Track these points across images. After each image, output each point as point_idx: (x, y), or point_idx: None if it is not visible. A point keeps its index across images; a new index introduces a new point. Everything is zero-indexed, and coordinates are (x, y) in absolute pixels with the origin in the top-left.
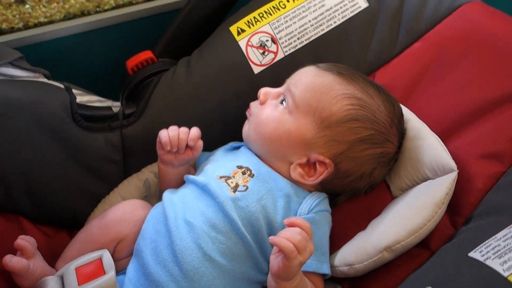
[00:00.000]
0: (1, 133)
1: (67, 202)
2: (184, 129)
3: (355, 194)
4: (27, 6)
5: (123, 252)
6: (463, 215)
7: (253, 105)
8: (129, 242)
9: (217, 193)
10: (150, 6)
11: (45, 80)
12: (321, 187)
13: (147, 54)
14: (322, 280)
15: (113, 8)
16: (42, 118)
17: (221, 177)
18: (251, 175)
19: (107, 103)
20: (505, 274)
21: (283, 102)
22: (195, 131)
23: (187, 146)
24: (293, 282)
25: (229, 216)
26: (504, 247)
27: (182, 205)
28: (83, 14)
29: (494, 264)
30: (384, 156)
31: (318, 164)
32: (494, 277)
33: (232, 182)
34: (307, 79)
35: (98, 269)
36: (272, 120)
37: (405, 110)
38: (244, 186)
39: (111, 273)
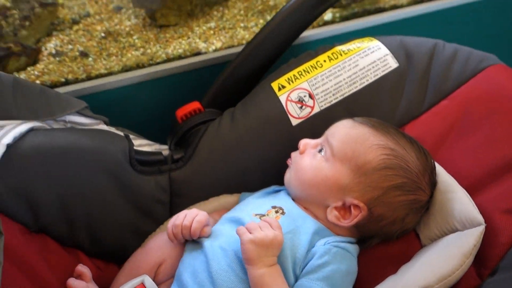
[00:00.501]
0: (71, 176)
1: (119, 239)
2: (186, 224)
3: (387, 238)
4: (90, 59)
5: (164, 275)
6: (489, 267)
7: (294, 154)
8: (168, 265)
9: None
10: (197, 60)
11: (105, 126)
12: (356, 230)
13: (195, 105)
14: None
15: (164, 61)
16: (106, 163)
17: (256, 214)
18: (283, 213)
19: (155, 146)
20: None
21: (321, 152)
22: (202, 218)
23: None
24: (258, 269)
25: None
26: None
27: (218, 236)
28: (138, 66)
29: None
30: (417, 203)
31: (353, 207)
32: None
33: (265, 219)
34: (344, 130)
35: None
36: (311, 167)
37: (435, 164)
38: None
39: None
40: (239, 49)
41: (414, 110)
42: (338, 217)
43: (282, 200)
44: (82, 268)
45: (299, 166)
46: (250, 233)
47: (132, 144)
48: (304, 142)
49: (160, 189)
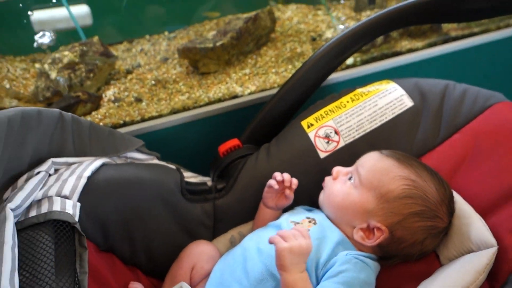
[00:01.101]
0: (134, 203)
1: (171, 258)
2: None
3: (407, 259)
4: (143, 103)
5: (198, 276)
6: (500, 281)
7: (327, 179)
8: (198, 267)
9: (285, 229)
10: (235, 103)
11: (157, 161)
12: (379, 250)
13: (235, 141)
14: None
15: (207, 104)
16: (162, 192)
17: (292, 221)
18: (314, 223)
19: (199, 178)
20: None
21: (351, 179)
22: (295, 180)
23: (283, 194)
24: (292, 275)
25: None
26: None
27: (257, 237)
28: (184, 109)
29: None
30: (434, 229)
31: (376, 230)
32: None
33: (298, 226)
34: (371, 162)
35: None
36: (341, 192)
37: (453, 192)
38: (307, 229)
39: None
40: (272, 91)
41: (430, 143)
42: (363, 237)
43: (316, 214)
44: (135, 285)
45: (331, 190)
46: (285, 241)
47: (183, 176)
48: (337, 170)
49: (206, 215)
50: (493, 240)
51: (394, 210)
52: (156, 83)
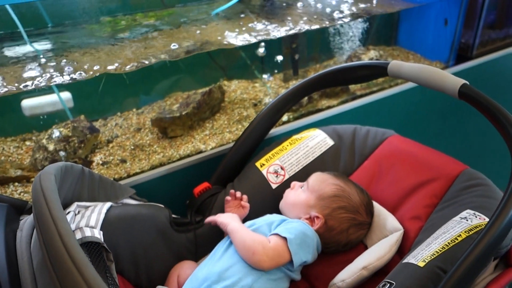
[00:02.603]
0: (137, 233)
1: (163, 277)
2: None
3: (339, 247)
4: (127, 163)
5: (182, 280)
6: (405, 252)
7: (287, 190)
8: (182, 273)
9: None
10: (200, 156)
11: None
12: (320, 237)
13: (206, 184)
14: (285, 244)
15: (178, 159)
16: (156, 224)
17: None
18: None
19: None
20: (420, 264)
21: (302, 188)
22: (245, 196)
23: (240, 206)
24: (232, 223)
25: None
26: (419, 252)
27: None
28: (161, 165)
29: (414, 262)
30: (355, 220)
31: (316, 218)
32: (413, 266)
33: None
34: (316, 176)
35: None
36: (294, 195)
37: (373, 202)
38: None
39: None
40: (228, 146)
41: (349, 169)
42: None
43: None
44: None
45: (288, 195)
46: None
47: (171, 212)
48: (294, 183)
49: (189, 242)
50: (400, 226)
51: (326, 204)
52: (135, 147)
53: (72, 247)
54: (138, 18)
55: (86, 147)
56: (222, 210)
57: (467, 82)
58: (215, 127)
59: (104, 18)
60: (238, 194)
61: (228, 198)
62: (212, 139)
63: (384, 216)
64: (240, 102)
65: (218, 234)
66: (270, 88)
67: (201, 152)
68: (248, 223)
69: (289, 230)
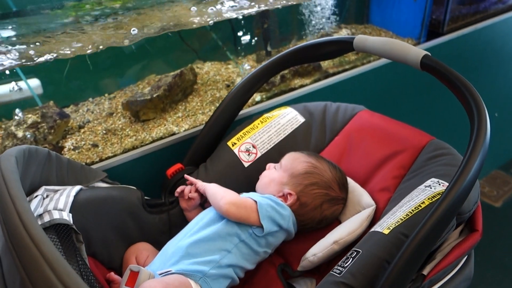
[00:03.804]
0: (108, 216)
1: None
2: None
3: (314, 223)
4: (99, 148)
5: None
6: (374, 223)
7: (264, 172)
8: (139, 254)
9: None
10: (173, 138)
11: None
12: (295, 214)
13: (178, 165)
14: (255, 205)
15: (151, 142)
16: (128, 206)
17: None
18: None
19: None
20: (385, 231)
21: (276, 167)
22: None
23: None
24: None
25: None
26: (385, 221)
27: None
28: (133, 148)
29: (380, 230)
30: (328, 196)
31: (288, 195)
32: (378, 234)
33: None
34: (289, 155)
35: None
36: (268, 174)
37: (348, 179)
38: None
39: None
40: (201, 127)
41: (320, 145)
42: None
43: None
44: (114, 276)
45: (263, 175)
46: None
47: (143, 194)
48: (269, 164)
49: (162, 223)
50: (372, 202)
51: (298, 181)
52: (107, 132)
53: (30, 223)
54: (103, 1)
55: (56, 133)
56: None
57: (429, 54)
58: (188, 109)
59: (67, 3)
60: (186, 189)
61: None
62: (185, 121)
63: (359, 193)
64: (213, 83)
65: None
66: (242, 69)
67: (174, 134)
68: None
69: (262, 198)
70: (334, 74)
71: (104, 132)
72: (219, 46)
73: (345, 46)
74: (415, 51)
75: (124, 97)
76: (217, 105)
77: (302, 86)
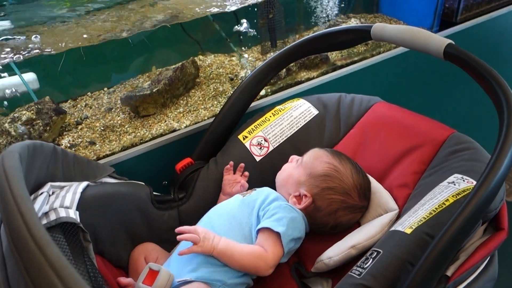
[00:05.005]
0: (116, 212)
1: None
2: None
3: (327, 228)
4: (97, 145)
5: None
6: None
7: (286, 164)
8: (148, 255)
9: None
10: (174, 135)
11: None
12: (307, 216)
13: (188, 160)
14: (278, 239)
15: (151, 139)
16: (136, 202)
17: (241, 194)
18: (255, 190)
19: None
20: (407, 231)
21: (298, 161)
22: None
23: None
24: (217, 248)
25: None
26: (406, 219)
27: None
28: (132, 145)
29: (401, 229)
30: (344, 202)
31: (304, 196)
32: (400, 233)
33: (244, 195)
34: (312, 152)
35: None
36: (288, 169)
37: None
38: (250, 194)
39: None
40: (203, 123)
41: (335, 139)
42: (294, 202)
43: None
44: (124, 280)
45: (283, 168)
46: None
47: (152, 190)
48: (292, 157)
49: (172, 219)
50: (395, 206)
51: (315, 183)
52: (105, 128)
53: (34, 226)
54: None
55: (52, 130)
56: (205, 186)
57: (453, 42)
58: (189, 103)
59: None
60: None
61: (227, 166)
62: (187, 116)
63: (380, 194)
64: (216, 77)
65: (202, 209)
66: (247, 61)
67: (174, 130)
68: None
69: (280, 222)
70: (342, 66)
71: (102, 128)
72: (222, 37)
73: (362, 34)
74: (438, 40)
75: (124, 91)
76: (220, 99)
77: (308, 79)
